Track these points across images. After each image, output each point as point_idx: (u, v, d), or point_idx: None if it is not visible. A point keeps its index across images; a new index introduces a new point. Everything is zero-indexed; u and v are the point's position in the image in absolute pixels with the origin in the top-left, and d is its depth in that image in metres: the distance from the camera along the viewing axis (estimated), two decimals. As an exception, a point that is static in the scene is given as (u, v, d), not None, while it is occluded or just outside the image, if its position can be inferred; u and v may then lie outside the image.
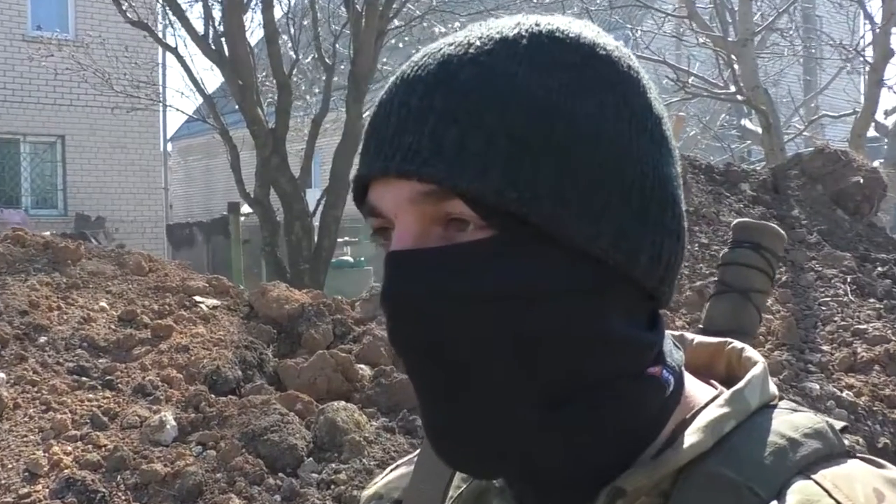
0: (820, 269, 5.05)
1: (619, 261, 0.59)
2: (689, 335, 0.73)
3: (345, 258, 14.44)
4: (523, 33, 0.59)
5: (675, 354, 0.66)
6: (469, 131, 0.57)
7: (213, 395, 3.42)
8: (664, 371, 0.63)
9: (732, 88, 10.51)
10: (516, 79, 0.58)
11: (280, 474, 3.03)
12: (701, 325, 2.19)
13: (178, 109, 21.55)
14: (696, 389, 0.66)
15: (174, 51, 10.06)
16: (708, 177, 6.00)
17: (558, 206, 0.58)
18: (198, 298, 4.23)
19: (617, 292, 0.60)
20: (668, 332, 0.67)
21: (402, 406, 3.55)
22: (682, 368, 0.66)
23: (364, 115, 9.73)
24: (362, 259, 15.07)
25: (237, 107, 9.45)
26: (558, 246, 0.58)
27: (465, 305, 0.58)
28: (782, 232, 1.63)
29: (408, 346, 0.60)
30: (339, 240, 11.35)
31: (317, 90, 14.07)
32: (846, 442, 0.62)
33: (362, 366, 3.76)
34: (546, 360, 0.59)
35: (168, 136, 25.29)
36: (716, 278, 1.75)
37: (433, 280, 0.59)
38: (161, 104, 15.39)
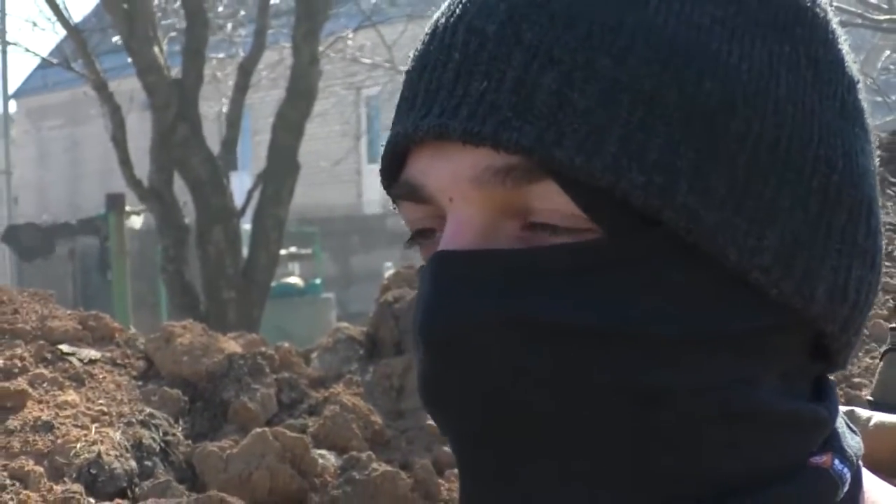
0: None
1: (785, 291, 0.61)
2: (863, 412, 0.76)
3: (291, 281, 14.46)
4: None
5: (849, 440, 0.67)
6: (574, 79, 0.59)
7: (91, 499, 3.44)
8: (836, 461, 0.64)
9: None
10: (647, 7, 0.60)
11: None
12: (870, 396, 2.21)
13: (26, 49, 21.60)
14: (878, 493, 0.68)
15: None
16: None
17: (704, 199, 0.59)
18: (65, 348, 4.25)
19: (778, 342, 0.62)
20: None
21: (386, 514, 3.57)
22: (860, 461, 0.67)
23: (321, 55, 9.77)
24: (318, 281, 15.03)
25: (121, 44, 9.49)
26: (698, 262, 0.60)
27: (553, 343, 0.59)
28: None
29: (454, 402, 0.62)
30: (283, 252, 11.37)
31: (242, 13, 14.11)
32: None
33: (324, 451, 3.79)
34: (664, 444, 0.60)
35: (11, 91, 25.34)
36: (887, 321, 1.83)
37: (504, 300, 0.60)
38: None
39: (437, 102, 0.62)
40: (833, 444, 0.65)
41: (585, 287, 0.60)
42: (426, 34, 0.66)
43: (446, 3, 0.65)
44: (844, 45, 0.65)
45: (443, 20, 0.65)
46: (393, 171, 0.66)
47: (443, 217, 0.64)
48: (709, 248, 0.59)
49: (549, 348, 0.59)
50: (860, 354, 4.44)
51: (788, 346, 0.63)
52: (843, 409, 0.71)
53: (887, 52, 15.95)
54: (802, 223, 0.61)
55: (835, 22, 0.65)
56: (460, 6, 0.64)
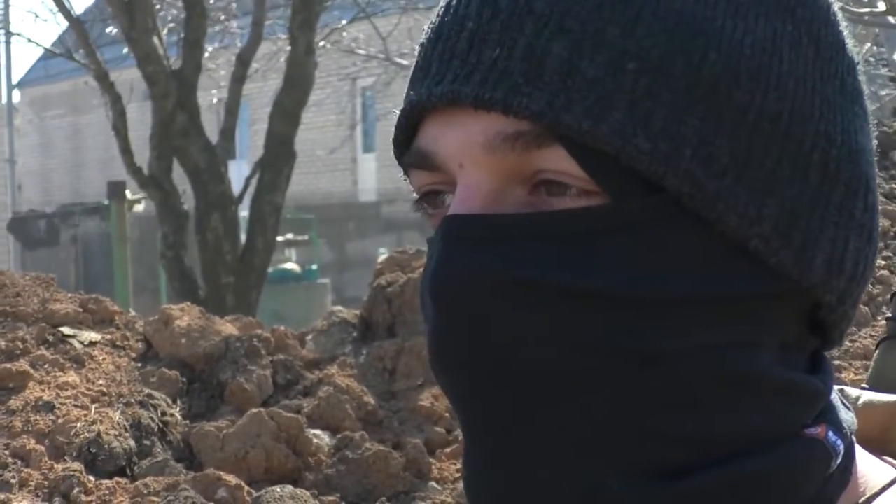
0: None
1: (784, 260, 0.61)
2: (852, 391, 0.74)
3: (288, 266, 14.49)
4: None
5: (843, 414, 0.67)
6: (583, 47, 0.60)
7: (91, 477, 3.45)
8: (829, 433, 0.64)
9: (882, 5, 10.54)
10: None
11: None
12: (865, 384, 2.22)
13: (29, 40, 21.54)
14: (868, 467, 0.68)
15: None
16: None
17: (707, 167, 0.60)
18: (66, 330, 4.26)
19: (776, 311, 0.62)
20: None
21: (378, 492, 3.58)
22: (853, 435, 0.67)
23: (318, 47, 9.77)
24: (314, 267, 15.06)
25: (122, 36, 9.48)
26: (700, 227, 0.60)
27: (555, 305, 0.60)
28: None
29: (459, 359, 0.62)
30: (280, 238, 11.39)
31: (235, 5, 14.11)
32: None
33: (318, 431, 3.81)
34: (662, 405, 0.60)
35: (15, 81, 25.32)
36: (866, 306, 1.84)
37: (509, 262, 0.60)
38: (2, 31, 15.41)
39: (451, 70, 0.62)
40: (827, 416, 0.65)
41: (588, 251, 0.60)
42: (441, 7, 0.66)
43: None
44: (845, 29, 0.66)
45: None
46: (405, 141, 0.66)
47: (453, 184, 0.64)
48: (710, 215, 0.60)
49: (551, 310, 0.60)
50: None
51: (786, 315, 0.63)
52: (835, 386, 0.71)
53: (868, 45, 16.01)
54: (802, 195, 0.61)
55: (836, 5, 0.66)
56: None
